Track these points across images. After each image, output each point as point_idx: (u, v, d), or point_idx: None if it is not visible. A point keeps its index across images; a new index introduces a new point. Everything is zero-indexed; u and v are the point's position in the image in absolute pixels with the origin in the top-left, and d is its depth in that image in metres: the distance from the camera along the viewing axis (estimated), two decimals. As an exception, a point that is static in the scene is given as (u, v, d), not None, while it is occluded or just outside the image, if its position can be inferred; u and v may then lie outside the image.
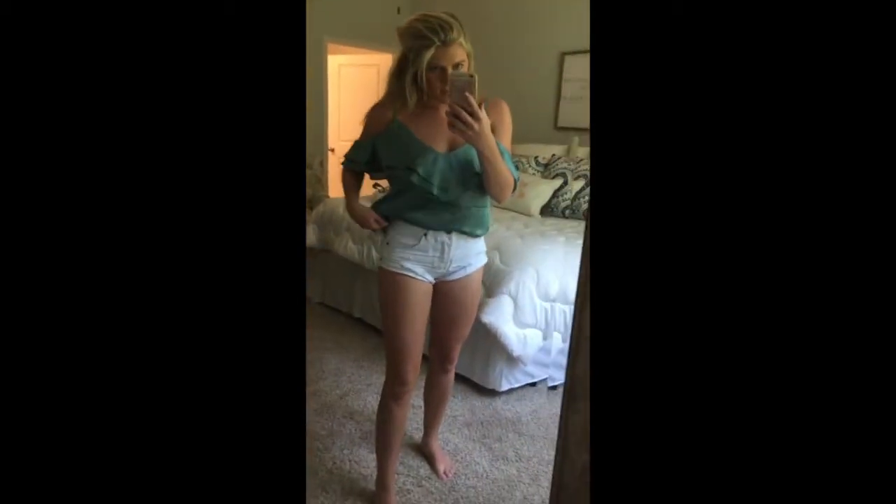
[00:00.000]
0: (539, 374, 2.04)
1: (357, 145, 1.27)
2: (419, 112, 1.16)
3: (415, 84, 1.12)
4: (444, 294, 1.30)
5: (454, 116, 1.01)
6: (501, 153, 1.14)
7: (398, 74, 1.14)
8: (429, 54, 1.06)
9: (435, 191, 1.14)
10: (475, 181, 1.16)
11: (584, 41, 3.16)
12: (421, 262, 1.22)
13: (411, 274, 1.22)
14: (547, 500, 1.45)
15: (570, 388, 0.70)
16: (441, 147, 1.15)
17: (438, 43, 1.05)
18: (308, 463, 1.58)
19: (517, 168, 1.23)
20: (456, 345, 1.39)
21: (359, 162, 1.27)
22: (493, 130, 1.13)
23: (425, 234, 1.21)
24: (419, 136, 1.16)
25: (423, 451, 1.62)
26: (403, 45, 1.11)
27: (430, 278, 1.25)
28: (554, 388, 2.06)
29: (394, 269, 1.23)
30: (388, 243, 1.26)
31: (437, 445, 1.59)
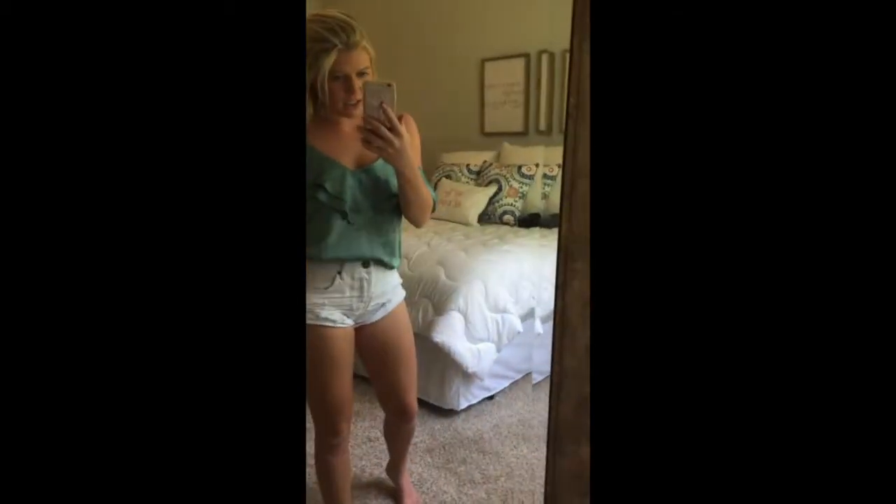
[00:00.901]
0: (495, 385, 2.01)
1: None
2: (317, 125, 1.03)
3: (312, 94, 0.97)
4: (372, 340, 1.16)
5: (370, 132, 0.90)
6: (419, 169, 1.05)
7: None
8: (330, 60, 0.92)
9: (346, 211, 1.01)
10: (390, 202, 1.06)
11: (503, 47, 3.20)
12: (337, 305, 1.08)
13: (328, 323, 1.07)
14: (520, 521, 1.41)
15: (554, 431, 0.66)
16: (348, 163, 1.03)
17: (341, 46, 0.91)
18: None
19: (438, 181, 1.15)
20: (409, 395, 1.22)
21: None
22: None
23: (339, 273, 1.06)
24: (322, 150, 1.02)
25: (392, 483, 1.52)
26: None
27: (350, 322, 1.11)
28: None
29: (307, 321, 1.06)
30: None
31: (405, 480, 1.49)
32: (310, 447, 1.75)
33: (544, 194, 2.67)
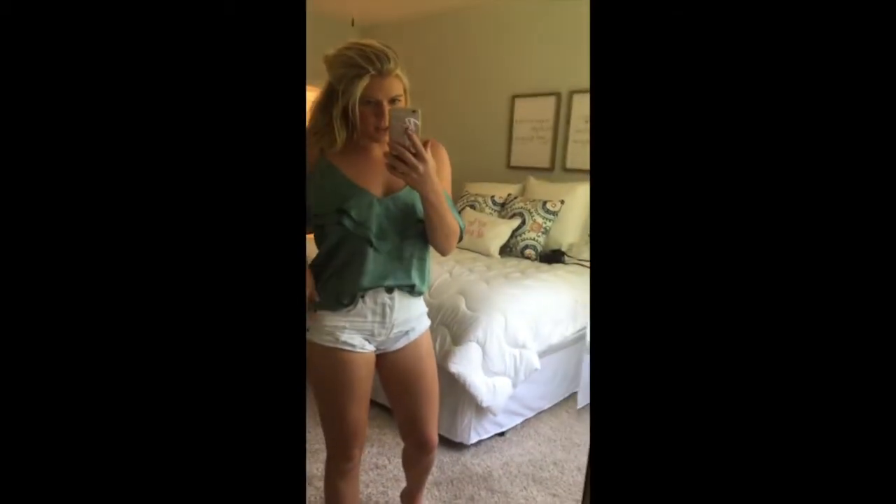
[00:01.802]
0: (507, 422, 1.97)
1: None
2: (349, 151, 1.04)
3: (344, 119, 0.99)
4: (394, 369, 1.14)
5: (396, 158, 0.91)
6: (447, 196, 1.05)
7: (324, 108, 1.00)
8: (362, 85, 0.94)
9: (371, 238, 1.01)
10: (417, 229, 1.05)
11: (535, 85, 3.26)
12: (359, 330, 1.07)
13: (348, 348, 1.06)
14: (527, 567, 1.36)
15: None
16: (377, 190, 1.03)
17: (373, 72, 0.93)
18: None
19: (463, 209, 1.13)
20: (429, 427, 1.19)
21: None
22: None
23: (362, 296, 1.05)
24: (351, 177, 1.03)
25: None
26: (331, 75, 0.98)
27: (371, 348, 1.09)
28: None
29: (327, 344, 1.05)
30: (315, 310, 1.07)
31: None
32: (319, 468, 1.72)
33: (545, 229, 2.67)
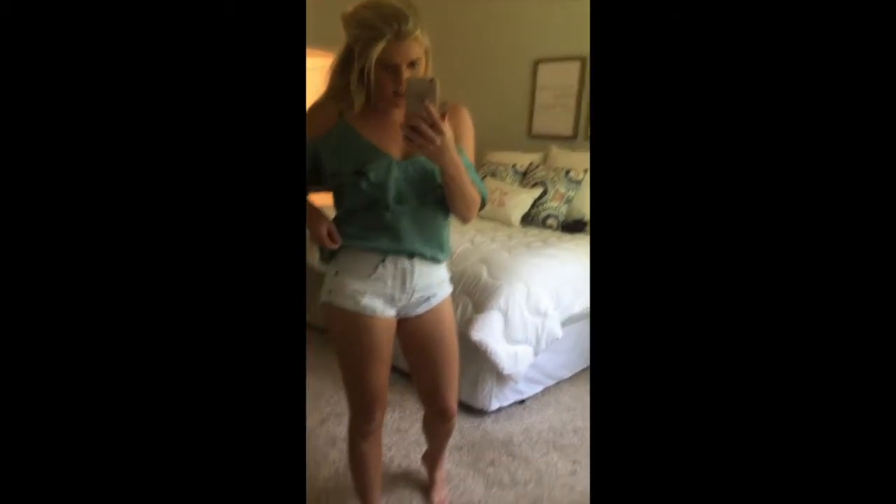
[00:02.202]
0: (528, 390, 1.98)
1: None
2: (368, 113, 1.01)
3: (362, 82, 0.95)
4: (414, 334, 1.14)
5: (412, 129, 0.87)
6: (466, 167, 1.02)
7: (342, 69, 0.96)
8: (378, 48, 0.89)
9: (389, 202, 1.00)
10: (436, 194, 1.03)
11: (559, 49, 3.15)
12: (379, 294, 1.06)
13: (369, 312, 1.06)
14: (548, 529, 1.38)
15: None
16: (396, 153, 1.00)
17: (390, 36, 0.88)
18: (290, 500, 1.45)
19: (483, 178, 1.11)
20: (449, 395, 1.19)
21: None
22: (456, 140, 1.01)
23: (383, 261, 1.05)
24: (370, 140, 1.00)
25: (424, 473, 1.51)
26: (348, 35, 0.93)
27: (392, 313, 1.09)
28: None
29: (347, 307, 1.05)
30: (336, 273, 1.07)
31: (439, 475, 1.48)
32: (343, 431, 1.76)
33: (568, 198, 2.61)
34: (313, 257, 2.43)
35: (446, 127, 0.89)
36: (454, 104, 1.06)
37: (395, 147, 1.01)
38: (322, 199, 1.15)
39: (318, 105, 1.03)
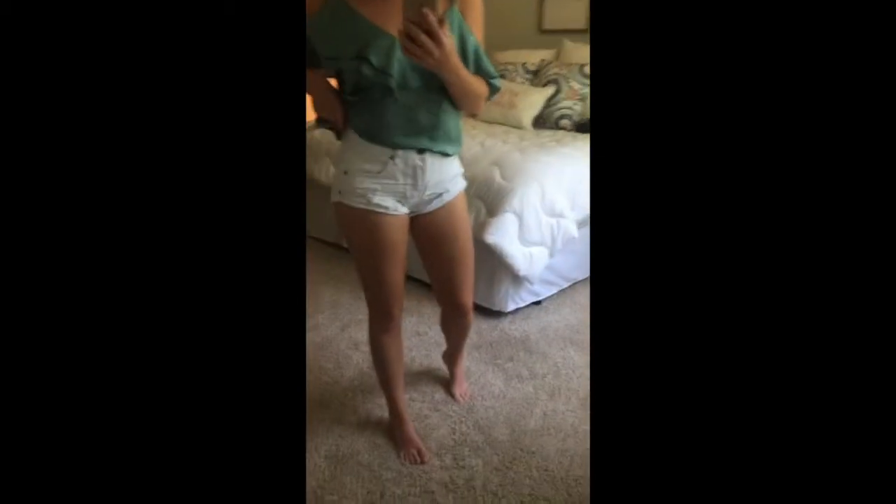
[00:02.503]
0: (544, 291, 2.00)
1: None
2: None
3: None
4: (428, 231, 1.12)
5: (409, 38, 0.80)
6: (476, 50, 0.94)
7: None
8: None
9: (394, 85, 0.93)
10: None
11: (572, -73, 2.84)
12: (391, 192, 1.03)
13: (381, 210, 1.03)
14: (566, 414, 1.45)
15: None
16: (397, 31, 0.91)
17: None
18: (319, 397, 1.53)
19: (503, 76, 1.03)
20: (464, 291, 1.19)
21: None
22: (463, 17, 0.94)
23: (392, 158, 1.00)
24: (367, 17, 0.92)
25: (445, 371, 1.57)
26: None
27: (404, 210, 1.07)
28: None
29: (359, 206, 1.03)
30: (345, 172, 1.03)
31: (459, 370, 1.53)
32: (364, 335, 1.81)
33: (582, 96, 2.47)
34: (318, 171, 2.39)
35: (446, 36, 0.82)
36: None
37: (395, 24, 0.91)
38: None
39: None
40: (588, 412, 1.45)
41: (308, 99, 0.99)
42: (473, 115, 1.05)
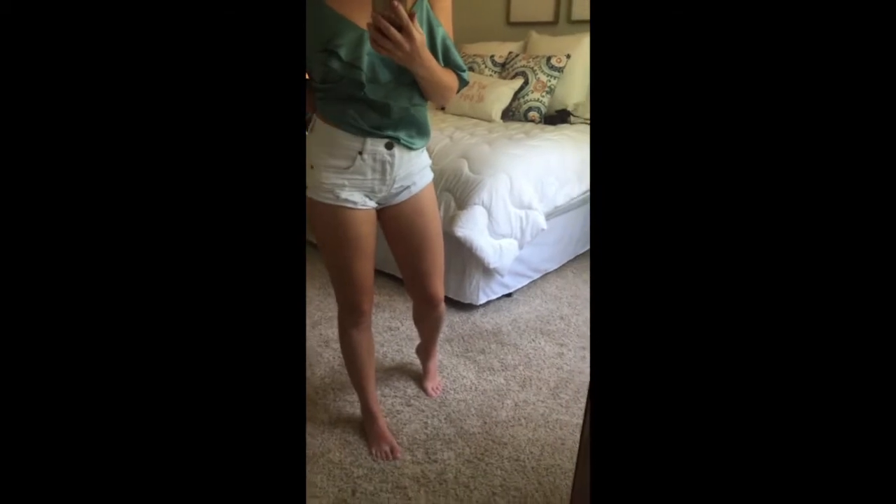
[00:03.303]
0: (515, 284, 2.01)
1: None
2: None
3: None
4: (395, 223, 1.11)
5: (379, 32, 0.79)
6: (444, 42, 0.94)
7: None
8: None
9: (363, 80, 0.92)
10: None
11: (537, -81, 2.84)
12: (358, 187, 1.02)
13: (349, 205, 1.03)
14: (537, 404, 1.46)
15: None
16: (366, 24, 0.88)
17: None
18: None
19: (472, 69, 1.03)
20: (433, 282, 1.18)
21: None
22: (432, 8, 0.93)
23: (360, 153, 0.99)
24: (336, 8, 0.91)
25: (419, 365, 1.56)
26: None
27: (372, 204, 1.07)
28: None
29: (327, 201, 1.02)
30: (311, 167, 1.02)
31: (432, 364, 1.52)
32: (334, 332, 1.79)
33: (550, 88, 2.49)
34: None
35: (417, 29, 0.80)
36: None
37: (365, 17, 0.89)
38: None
39: None
40: (557, 401, 1.47)
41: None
42: (442, 108, 1.03)
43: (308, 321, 1.89)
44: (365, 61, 0.91)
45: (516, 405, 1.46)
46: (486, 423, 1.39)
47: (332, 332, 1.81)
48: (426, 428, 1.38)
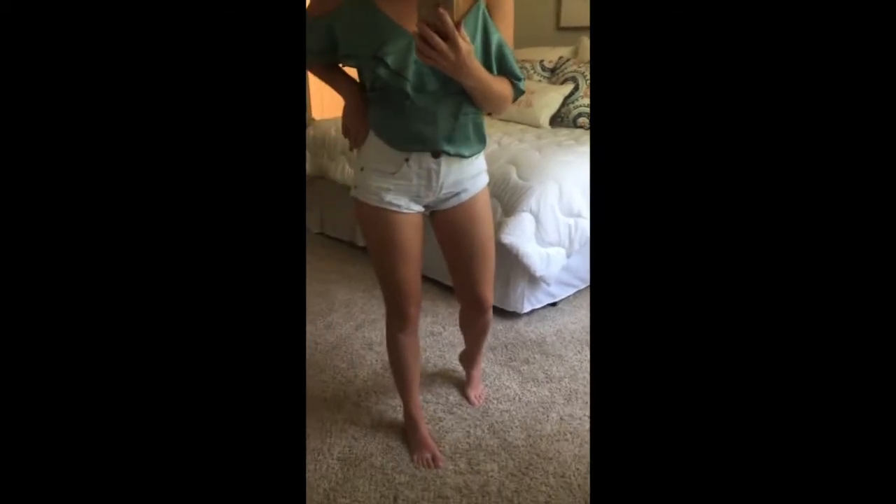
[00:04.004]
0: (560, 293, 1.96)
1: (308, 27, 0.94)
2: None
3: None
4: (446, 227, 1.10)
5: (424, 41, 0.77)
6: (500, 49, 0.90)
7: None
8: None
9: (409, 88, 0.90)
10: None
11: (591, -78, 2.79)
12: (404, 192, 1.02)
13: (394, 208, 1.03)
14: (583, 419, 1.41)
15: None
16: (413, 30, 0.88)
17: None
18: (333, 397, 1.51)
19: (521, 74, 0.98)
20: (483, 288, 1.17)
21: (316, 52, 0.96)
22: (489, 10, 0.90)
23: (407, 161, 0.99)
24: (389, 14, 0.89)
25: (462, 371, 1.54)
26: None
27: (418, 208, 1.06)
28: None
29: (372, 203, 1.03)
30: (362, 168, 1.03)
31: (476, 371, 1.50)
32: (378, 335, 1.80)
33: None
34: (333, 169, 2.38)
35: (463, 39, 0.78)
36: None
37: (416, 21, 0.90)
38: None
39: None
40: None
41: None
42: (496, 114, 1.01)
43: (352, 323, 1.90)
44: (412, 70, 0.90)
45: (561, 419, 1.42)
46: (530, 435, 1.36)
47: (376, 334, 1.81)
48: (469, 437, 1.36)
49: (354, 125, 1.03)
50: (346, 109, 1.05)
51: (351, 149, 1.07)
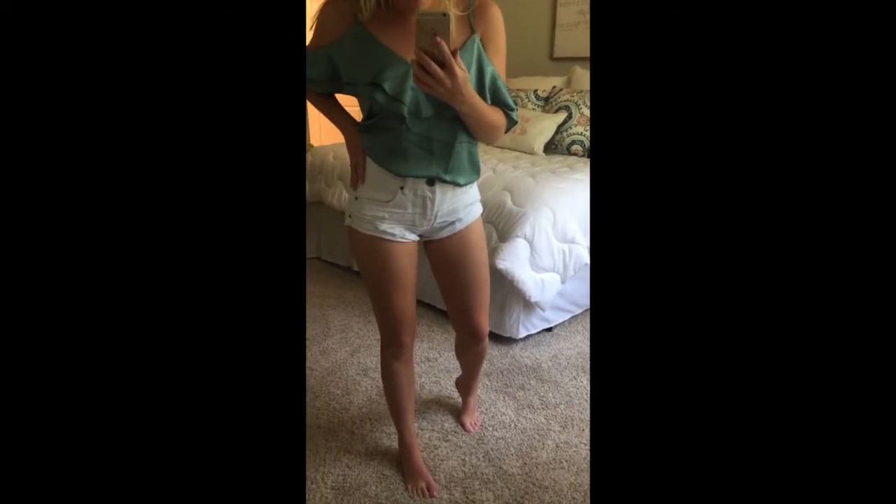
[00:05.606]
0: (555, 318, 1.97)
1: (310, 58, 0.98)
2: (385, 15, 0.93)
3: None
4: (440, 257, 1.11)
5: (421, 68, 0.80)
6: (494, 81, 0.93)
7: None
8: None
9: (405, 114, 0.93)
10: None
11: (582, -41, 2.89)
12: (399, 220, 1.04)
13: (388, 237, 1.04)
14: (579, 447, 1.40)
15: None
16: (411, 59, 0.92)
17: None
18: (327, 424, 1.50)
19: (515, 104, 1.00)
20: (479, 316, 1.17)
21: (317, 81, 1.00)
22: (483, 44, 0.93)
23: (402, 188, 1.01)
24: (385, 43, 0.92)
25: (458, 398, 1.53)
26: None
27: (413, 237, 1.07)
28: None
29: (367, 232, 1.04)
30: (356, 198, 1.05)
31: (472, 398, 1.50)
32: (373, 361, 1.79)
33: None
34: (330, 195, 2.40)
35: (459, 66, 0.81)
36: (483, 1, 0.96)
37: (413, 51, 0.93)
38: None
39: (329, 4, 0.96)
40: (602, 445, 1.41)
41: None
42: (488, 144, 1.03)
43: (348, 348, 1.90)
44: (409, 95, 0.92)
45: (557, 446, 1.41)
46: (525, 463, 1.35)
47: (371, 360, 1.81)
48: (464, 466, 1.34)
49: (355, 158, 1.05)
50: (348, 145, 1.07)
51: (354, 187, 1.07)
